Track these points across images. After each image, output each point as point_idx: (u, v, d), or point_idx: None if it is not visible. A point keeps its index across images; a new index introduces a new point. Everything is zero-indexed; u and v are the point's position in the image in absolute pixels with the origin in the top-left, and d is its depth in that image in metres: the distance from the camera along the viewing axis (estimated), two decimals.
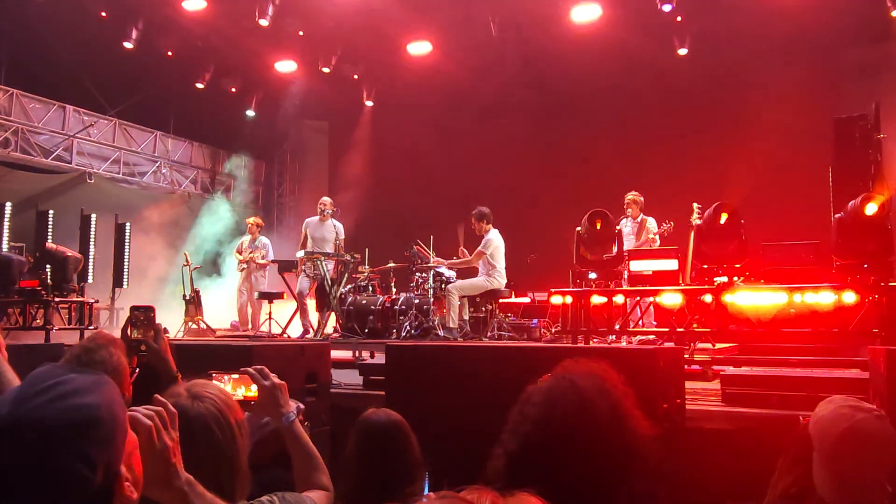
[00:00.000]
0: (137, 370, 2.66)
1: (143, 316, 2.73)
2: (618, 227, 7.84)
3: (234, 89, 15.64)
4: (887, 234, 6.08)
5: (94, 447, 1.07)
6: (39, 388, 1.10)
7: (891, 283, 6.00)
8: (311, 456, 2.30)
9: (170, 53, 13.97)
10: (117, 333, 2.81)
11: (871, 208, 5.96)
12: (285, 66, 14.82)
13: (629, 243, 8.67)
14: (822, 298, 6.08)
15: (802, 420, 2.19)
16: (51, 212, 11.09)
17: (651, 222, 8.93)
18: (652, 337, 7.40)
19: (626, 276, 7.59)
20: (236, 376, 2.32)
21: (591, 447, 1.57)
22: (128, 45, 13.06)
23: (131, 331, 2.73)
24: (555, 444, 1.56)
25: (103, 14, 12.76)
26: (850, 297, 6.01)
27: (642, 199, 9.11)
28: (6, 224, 11.05)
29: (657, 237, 8.78)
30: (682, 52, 12.64)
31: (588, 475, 1.54)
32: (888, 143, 8.05)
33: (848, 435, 1.95)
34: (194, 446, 1.62)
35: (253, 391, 2.28)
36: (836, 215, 6.34)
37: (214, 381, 2.14)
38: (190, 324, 11.34)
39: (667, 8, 11.55)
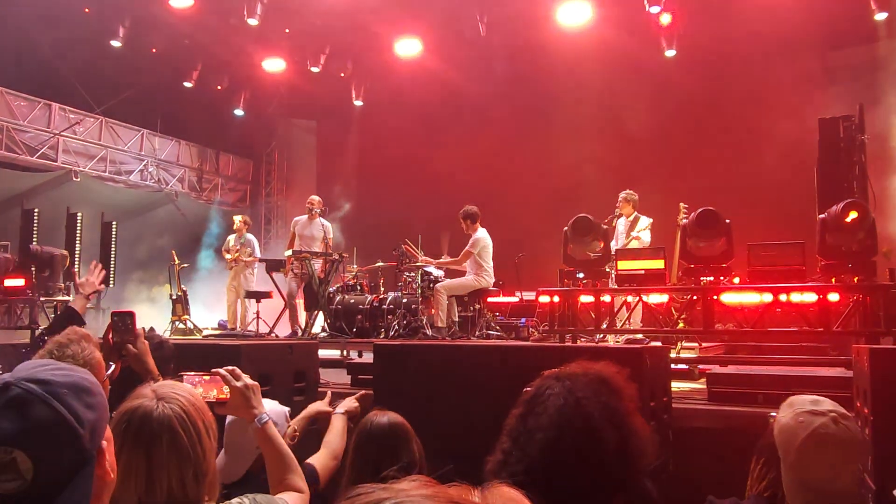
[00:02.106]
0: (112, 366, 2.67)
1: (122, 321, 2.75)
2: (605, 226, 7.86)
3: (220, 87, 15.58)
4: (870, 234, 6.14)
5: (85, 409, 1.18)
6: (38, 364, 1.23)
7: (874, 283, 6.07)
8: (285, 457, 2.29)
9: (154, 50, 13.90)
10: (102, 332, 2.83)
11: (851, 216, 6.03)
12: (273, 64, 14.77)
13: (625, 242, 8.69)
14: (807, 298, 6.14)
15: (771, 420, 2.19)
16: (36, 210, 11.00)
17: (643, 220, 8.94)
18: (639, 336, 7.43)
19: (613, 276, 7.61)
20: (208, 377, 2.31)
21: (596, 469, 1.57)
22: (115, 43, 12.97)
23: (112, 336, 2.75)
24: (559, 470, 1.55)
25: (86, 10, 12.66)
26: (834, 297, 6.08)
27: (636, 197, 9.10)
28: None
29: (646, 232, 8.74)
30: (670, 53, 12.70)
31: (588, 489, 1.55)
32: (872, 145, 8.12)
33: (809, 444, 1.92)
34: (159, 448, 1.62)
35: (226, 392, 2.28)
36: (821, 216, 6.39)
37: (185, 383, 2.13)
38: (177, 323, 11.29)
39: (655, 10, 11.61)
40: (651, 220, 8.88)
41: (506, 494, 0.85)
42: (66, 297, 9.29)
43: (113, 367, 2.66)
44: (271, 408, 2.97)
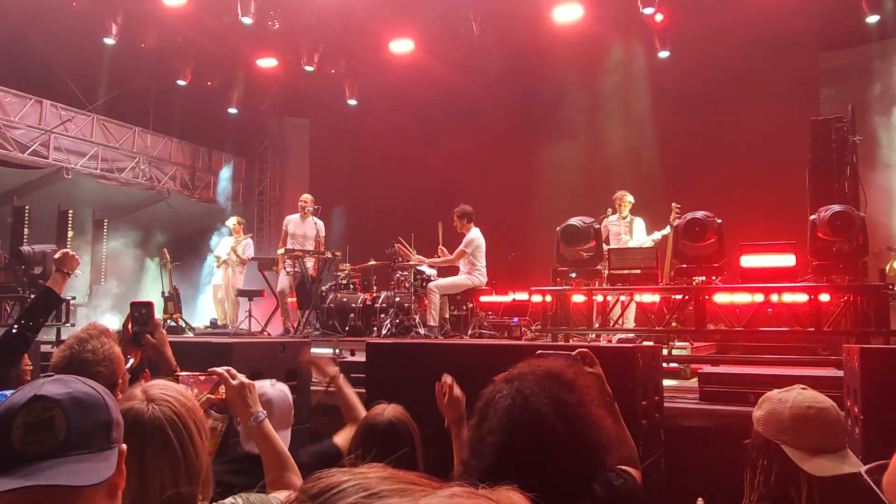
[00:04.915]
0: (131, 359, 2.67)
1: (140, 312, 2.76)
2: (598, 225, 7.87)
3: (212, 84, 15.52)
4: (861, 235, 6.18)
5: (113, 407, 1.26)
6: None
7: (864, 284, 6.10)
8: (281, 455, 2.29)
9: (143, 45, 13.81)
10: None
11: (836, 225, 6.07)
12: (267, 62, 14.73)
13: (617, 242, 8.70)
14: (799, 298, 6.18)
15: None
16: (27, 207, 10.92)
17: (639, 223, 8.94)
18: (631, 335, 7.45)
19: (605, 275, 7.63)
20: (203, 377, 2.31)
21: (553, 467, 1.54)
22: (108, 40, 12.90)
23: (132, 326, 2.75)
24: (514, 472, 1.52)
25: (74, 3, 12.57)
26: (825, 297, 6.11)
27: (632, 198, 9.12)
28: None
29: (653, 234, 8.74)
30: (664, 54, 12.73)
31: (548, 490, 1.53)
32: (864, 146, 8.16)
33: (797, 414, 1.98)
34: (151, 450, 1.62)
35: (222, 391, 2.28)
36: (812, 217, 6.42)
37: (181, 383, 2.13)
38: (168, 321, 11.23)
39: (648, 10, 11.63)
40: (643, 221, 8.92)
41: (515, 498, 0.85)
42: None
43: (132, 359, 2.67)
44: (282, 389, 3.01)
